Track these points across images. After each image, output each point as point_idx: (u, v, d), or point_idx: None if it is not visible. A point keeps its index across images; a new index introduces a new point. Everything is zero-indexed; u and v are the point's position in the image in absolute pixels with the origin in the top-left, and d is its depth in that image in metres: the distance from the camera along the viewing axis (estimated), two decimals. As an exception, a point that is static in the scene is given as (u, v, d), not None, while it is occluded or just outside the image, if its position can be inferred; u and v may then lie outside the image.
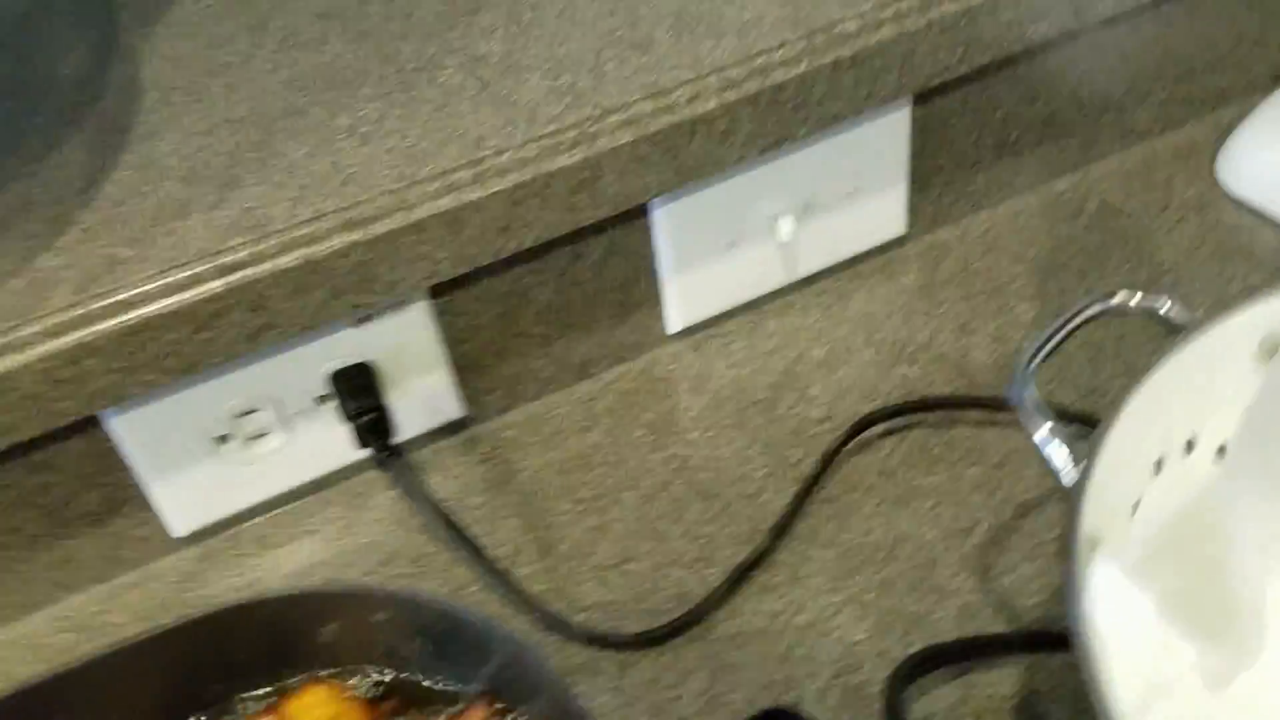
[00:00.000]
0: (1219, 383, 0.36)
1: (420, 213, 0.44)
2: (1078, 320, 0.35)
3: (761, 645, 0.47)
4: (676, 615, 0.48)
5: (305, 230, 0.44)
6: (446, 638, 0.35)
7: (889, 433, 0.54)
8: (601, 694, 0.46)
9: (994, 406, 0.53)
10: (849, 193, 0.57)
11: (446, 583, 0.50)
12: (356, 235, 0.44)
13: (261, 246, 0.43)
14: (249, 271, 0.43)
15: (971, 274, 0.59)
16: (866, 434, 0.53)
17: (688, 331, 0.59)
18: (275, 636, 0.36)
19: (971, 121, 0.58)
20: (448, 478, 0.54)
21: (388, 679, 0.37)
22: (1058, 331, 0.35)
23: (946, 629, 0.47)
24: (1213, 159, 0.62)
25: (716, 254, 0.56)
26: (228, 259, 0.43)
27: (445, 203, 0.45)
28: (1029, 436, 0.34)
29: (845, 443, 0.52)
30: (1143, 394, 0.33)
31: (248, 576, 0.51)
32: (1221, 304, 0.35)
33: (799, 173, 0.55)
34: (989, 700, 0.44)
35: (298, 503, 0.54)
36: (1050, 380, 0.54)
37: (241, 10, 0.54)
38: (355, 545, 0.52)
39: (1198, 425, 0.36)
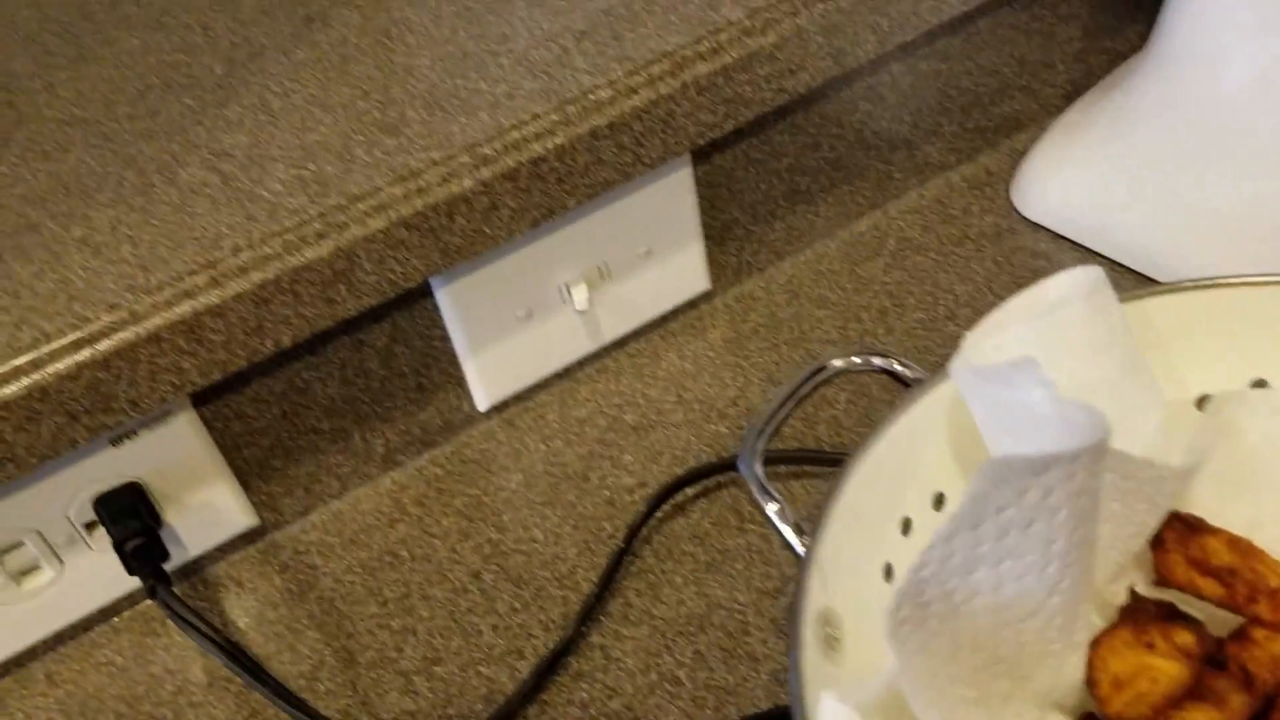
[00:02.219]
0: (960, 434, 0.35)
1: (153, 323, 0.42)
2: (800, 393, 0.34)
3: (574, 739, 0.45)
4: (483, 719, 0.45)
5: (29, 356, 0.41)
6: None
7: (701, 495, 0.52)
8: (407, 812, 0.44)
9: (798, 460, 0.52)
10: (642, 254, 0.56)
11: (241, 708, 0.47)
12: (84, 355, 0.41)
13: (-23, 379, 0.40)
14: (-34, 407, 0.40)
15: (777, 323, 0.58)
16: (680, 497, 0.52)
17: (499, 408, 0.57)
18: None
19: (758, 173, 0.57)
20: (244, 593, 0.51)
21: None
22: (780, 408, 0.34)
23: (759, 698, 0.45)
24: (1009, 186, 0.62)
25: (513, 327, 0.54)
26: (-60, 396, 0.40)
27: (181, 310, 0.42)
28: (763, 512, 0.33)
29: (651, 512, 0.51)
30: (872, 456, 0.32)
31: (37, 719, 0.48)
32: (953, 356, 0.34)
33: (586, 240, 0.53)
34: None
35: (87, 634, 0.50)
36: (847, 417, 0.53)
37: (-20, 123, 0.52)
38: (147, 676, 0.49)
39: (944, 479, 0.35)
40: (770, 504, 0.32)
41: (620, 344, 0.59)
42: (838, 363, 0.34)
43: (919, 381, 0.33)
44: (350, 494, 0.54)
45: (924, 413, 0.33)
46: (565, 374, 0.58)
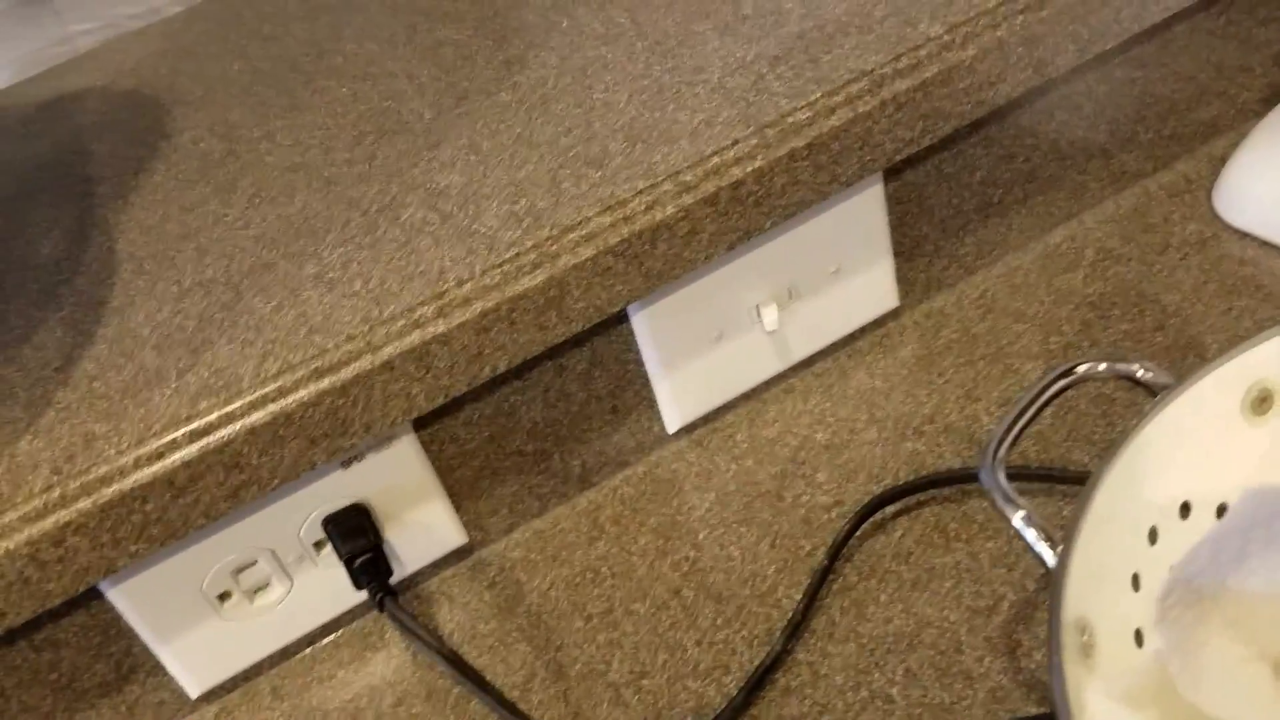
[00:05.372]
0: (1207, 441, 0.34)
1: (387, 353, 0.45)
2: (1043, 398, 0.33)
3: (786, 755, 0.45)
4: (695, 732, 0.46)
5: (274, 385, 0.44)
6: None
7: (902, 512, 0.52)
8: (625, 823, 0.45)
9: (1025, 477, 0.51)
10: (832, 273, 0.56)
11: (460, 719, 0.49)
12: (325, 383, 0.44)
13: (231, 407, 0.43)
14: (222, 433, 0.43)
15: (972, 339, 0.58)
16: (879, 516, 0.52)
17: (688, 429, 0.58)
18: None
19: (949, 187, 0.57)
20: (455, 607, 0.53)
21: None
22: (1023, 414, 0.33)
23: (976, 717, 0.44)
24: (1209, 193, 0.60)
25: (704, 349, 0.55)
26: (199, 423, 0.43)
27: (412, 340, 0.45)
28: (1007, 523, 0.32)
29: (854, 529, 0.51)
30: (1120, 464, 0.32)
31: (265, 730, 0.51)
32: (1199, 356, 0.33)
33: (777, 260, 0.54)
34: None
35: (309, 649, 0.53)
36: (1064, 438, 0.52)
37: (213, 173, 0.56)
38: (367, 688, 0.51)
39: (1190, 487, 0.34)
40: (1017, 512, 0.31)
41: (807, 363, 0.59)
42: (1082, 368, 0.33)
43: (1166, 387, 0.33)
44: (550, 513, 0.56)
45: (1171, 419, 0.32)
46: (752, 394, 0.58)
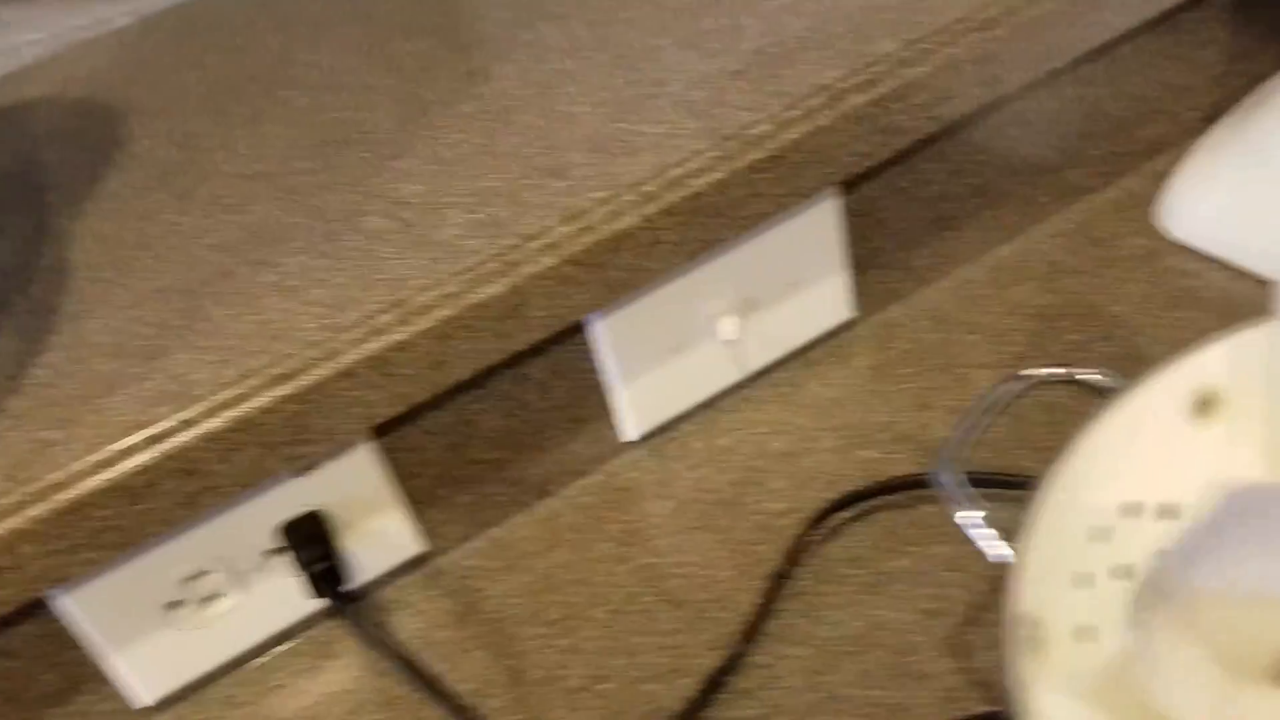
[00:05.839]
0: (1154, 443, 0.35)
1: (347, 359, 0.45)
2: (996, 406, 0.34)
3: (742, 758, 0.46)
4: (652, 736, 0.46)
5: (232, 391, 0.44)
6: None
7: (856, 518, 0.53)
8: (582, 829, 0.45)
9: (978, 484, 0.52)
10: (789, 284, 0.57)
11: (417, 727, 0.49)
12: (285, 390, 0.44)
13: (189, 413, 0.43)
14: (178, 439, 0.43)
15: (924, 349, 0.59)
16: (834, 521, 0.53)
17: (646, 438, 0.58)
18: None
19: (903, 201, 0.58)
20: (412, 615, 0.53)
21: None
22: (977, 422, 0.34)
23: (930, 715, 0.45)
24: (1154, 208, 0.62)
25: (663, 359, 0.56)
26: (156, 429, 0.43)
27: (372, 346, 0.45)
28: (960, 525, 0.33)
29: (807, 534, 0.52)
30: (1071, 464, 0.33)
31: (219, 740, 0.50)
32: (1144, 365, 0.34)
33: (735, 271, 0.55)
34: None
35: (264, 658, 0.53)
36: (1013, 445, 0.53)
37: (169, 181, 0.55)
38: (323, 696, 0.51)
39: (1138, 488, 0.35)
40: (974, 513, 0.32)
41: (764, 373, 0.60)
42: (1040, 372, 0.35)
43: (1113, 391, 0.34)
44: (508, 522, 0.56)
45: (1119, 422, 0.33)
46: (709, 404, 0.59)
